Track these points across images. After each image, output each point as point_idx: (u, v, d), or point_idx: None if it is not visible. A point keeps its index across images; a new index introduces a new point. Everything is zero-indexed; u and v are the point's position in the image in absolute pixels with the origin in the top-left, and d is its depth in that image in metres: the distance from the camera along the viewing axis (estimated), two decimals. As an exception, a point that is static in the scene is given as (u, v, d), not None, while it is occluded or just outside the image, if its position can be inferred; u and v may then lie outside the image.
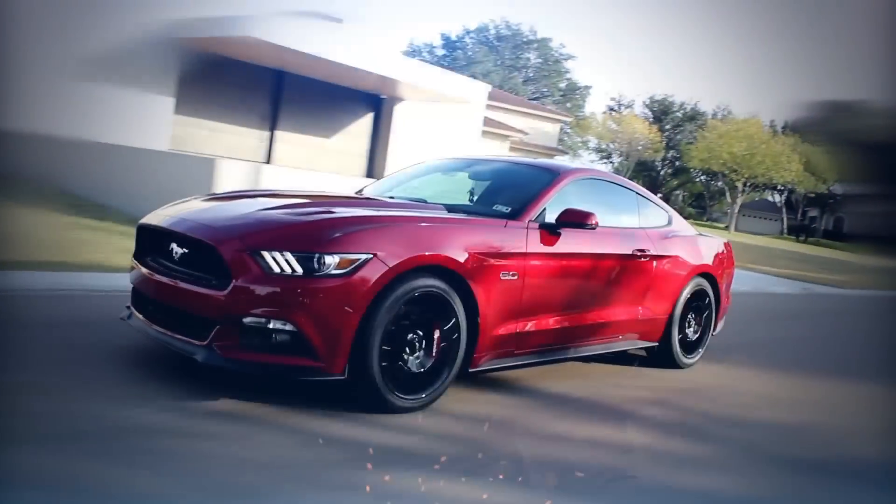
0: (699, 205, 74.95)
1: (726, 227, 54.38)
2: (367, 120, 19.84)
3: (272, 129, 17.85)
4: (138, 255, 4.15)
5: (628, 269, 5.16)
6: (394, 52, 19.39)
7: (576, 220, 4.50)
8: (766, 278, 17.23)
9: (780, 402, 5.34)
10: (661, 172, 71.06)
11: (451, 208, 4.52)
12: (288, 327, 3.44)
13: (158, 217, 4.14)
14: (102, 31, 14.00)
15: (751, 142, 51.43)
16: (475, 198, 5.12)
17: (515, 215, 4.45)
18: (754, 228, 59.11)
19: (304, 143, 18.47)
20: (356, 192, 5.58)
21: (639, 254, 5.23)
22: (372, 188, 5.61)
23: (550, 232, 4.48)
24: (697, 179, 70.45)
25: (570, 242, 4.58)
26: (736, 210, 54.94)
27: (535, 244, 4.35)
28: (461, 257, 3.88)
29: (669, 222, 5.88)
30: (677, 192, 75.39)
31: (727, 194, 56.68)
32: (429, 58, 72.99)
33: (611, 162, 67.72)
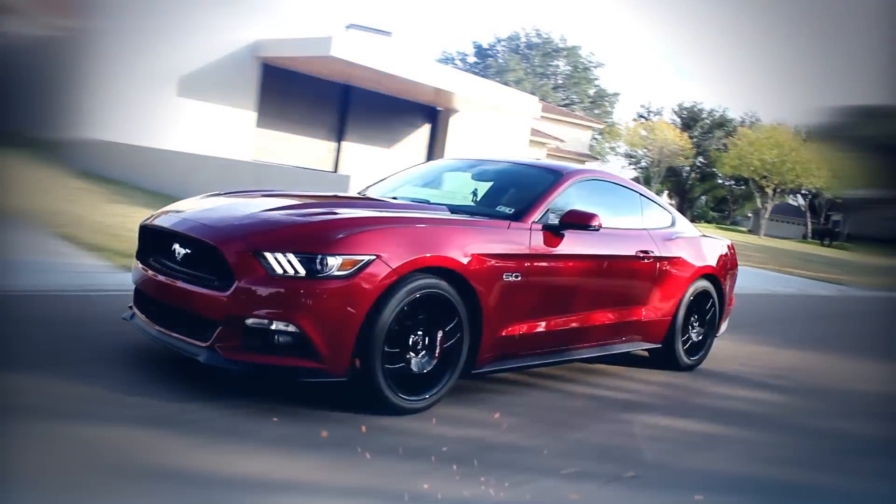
0: (721, 208, 74.42)
1: (749, 231, 53.65)
2: (424, 130, 20.74)
3: (339, 139, 18.54)
4: (141, 256, 4.14)
5: (631, 270, 5.12)
6: (449, 67, 20.40)
7: (579, 221, 4.46)
8: (805, 281, 18.21)
9: (869, 378, 6.83)
10: (689, 178, 70.53)
11: (454, 209, 4.52)
12: (290, 329, 3.43)
13: (161, 217, 4.14)
14: (193, 54, 15.06)
15: (781, 149, 50.92)
16: (478, 199, 5.11)
17: (519, 216, 4.43)
18: (778, 232, 57.97)
19: (367, 152, 19.31)
20: (359, 193, 5.58)
21: (642, 255, 5.18)
22: (375, 189, 5.59)
23: (554, 233, 4.45)
24: (725, 185, 69.78)
25: (574, 244, 4.55)
26: (766, 216, 54.21)
27: (538, 245, 4.33)
28: (464, 258, 3.87)
29: (673, 223, 5.82)
30: (702, 197, 74.93)
31: (757, 199, 56.00)
32: (461, 66, 73.39)
33: (640, 167, 67.37)
